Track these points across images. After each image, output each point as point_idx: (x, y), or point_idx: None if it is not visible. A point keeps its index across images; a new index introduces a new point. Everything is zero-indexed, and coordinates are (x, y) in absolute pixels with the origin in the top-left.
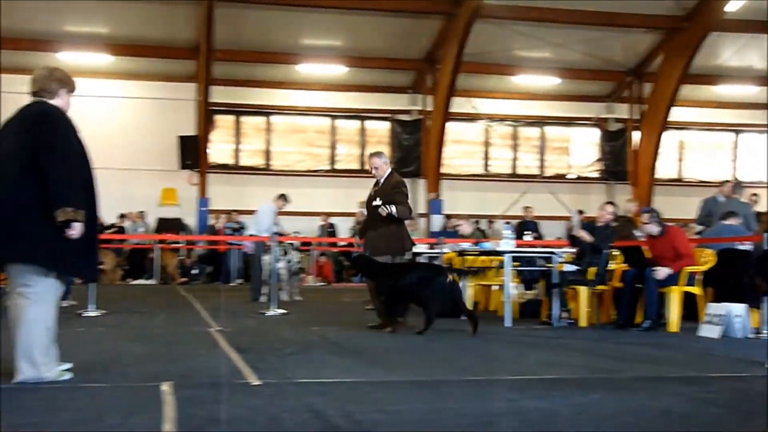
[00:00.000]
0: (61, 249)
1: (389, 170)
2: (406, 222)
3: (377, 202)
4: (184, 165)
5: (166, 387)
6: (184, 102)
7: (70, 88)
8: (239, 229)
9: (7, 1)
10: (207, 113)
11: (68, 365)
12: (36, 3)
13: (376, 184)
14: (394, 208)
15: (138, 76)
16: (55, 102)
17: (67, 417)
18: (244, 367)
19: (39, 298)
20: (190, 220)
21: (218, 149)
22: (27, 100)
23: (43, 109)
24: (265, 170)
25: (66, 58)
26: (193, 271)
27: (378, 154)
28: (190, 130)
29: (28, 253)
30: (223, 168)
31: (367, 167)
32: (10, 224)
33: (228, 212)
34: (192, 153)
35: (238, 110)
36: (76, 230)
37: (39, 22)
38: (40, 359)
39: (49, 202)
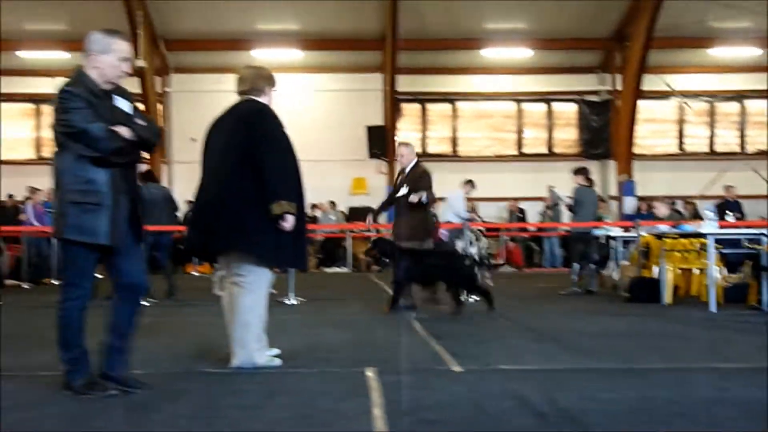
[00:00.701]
0: (275, 241)
1: (415, 160)
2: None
3: (404, 190)
4: (373, 154)
5: (370, 373)
6: (371, 92)
7: (274, 85)
8: None
9: (204, 1)
10: (393, 102)
11: (276, 351)
12: (230, 3)
13: (402, 172)
14: (424, 195)
15: (327, 69)
16: (262, 99)
17: (281, 401)
18: (444, 354)
19: (252, 287)
20: None
21: (405, 137)
22: (224, 97)
23: (255, 107)
24: (452, 157)
25: (259, 55)
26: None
27: (405, 144)
28: (378, 119)
29: (245, 245)
30: None
31: (555, 150)
32: (228, 217)
33: None
34: (380, 142)
35: (423, 98)
36: (289, 222)
37: (233, 23)
38: (253, 345)
39: (264, 196)
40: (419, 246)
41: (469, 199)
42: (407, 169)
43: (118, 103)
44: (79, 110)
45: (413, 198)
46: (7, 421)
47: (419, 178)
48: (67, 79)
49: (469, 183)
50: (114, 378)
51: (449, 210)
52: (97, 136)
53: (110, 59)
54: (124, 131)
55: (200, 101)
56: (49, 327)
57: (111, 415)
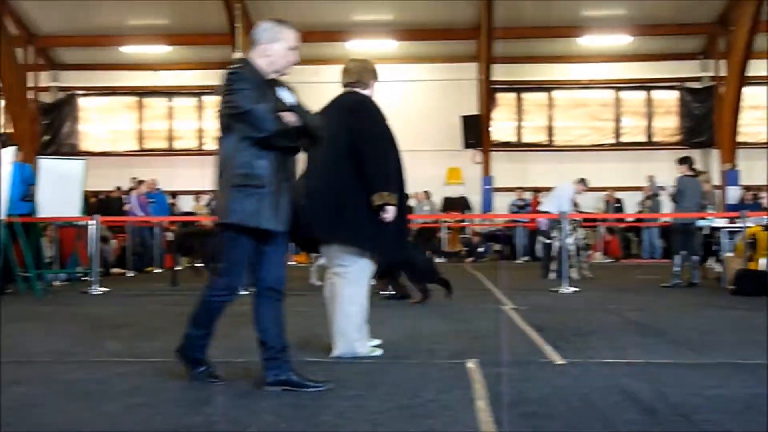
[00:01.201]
0: (376, 232)
1: None
2: None
3: None
4: (468, 144)
5: (471, 364)
6: (466, 82)
7: (377, 78)
8: (524, 207)
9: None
10: (488, 92)
11: (377, 341)
12: None
13: None
14: None
15: (421, 60)
16: (366, 92)
17: (383, 390)
18: (544, 346)
19: (354, 277)
20: (475, 198)
21: (500, 127)
22: (320, 89)
23: (359, 99)
24: (548, 146)
25: (355, 46)
26: (479, 249)
27: None
28: (473, 109)
29: (348, 236)
30: (506, 146)
31: (654, 139)
32: (331, 208)
33: (512, 189)
34: (475, 132)
35: (519, 87)
36: (390, 214)
37: (329, 15)
38: (354, 335)
39: (366, 187)
40: None
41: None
42: None
43: (282, 95)
44: (245, 91)
45: None
46: (124, 405)
47: None
48: (234, 65)
49: (583, 182)
50: (284, 382)
51: (554, 200)
52: (261, 116)
53: (280, 48)
54: (289, 116)
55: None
56: (154, 314)
57: (217, 401)
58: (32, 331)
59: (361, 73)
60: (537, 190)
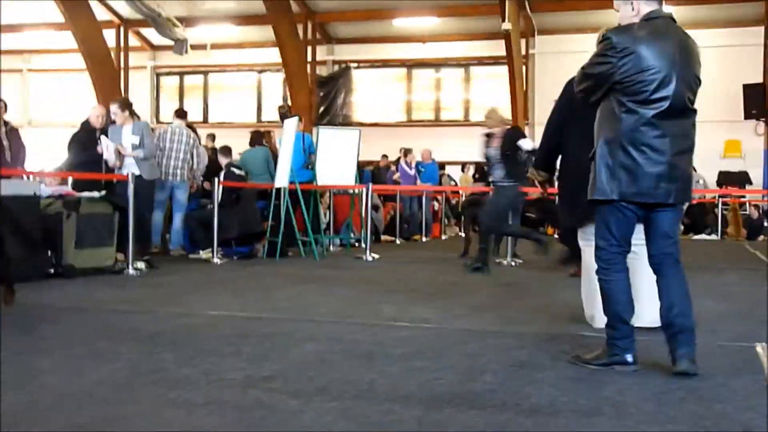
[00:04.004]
0: None
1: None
2: None
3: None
4: (749, 115)
5: (760, 349)
6: (750, 48)
7: None
8: None
9: None
10: None
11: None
12: None
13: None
14: None
15: (703, 24)
16: None
17: (666, 369)
18: None
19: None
20: (756, 172)
21: None
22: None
23: None
24: None
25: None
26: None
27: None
28: (756, 77)
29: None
30: None
31: None
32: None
33: None
34: (757, 102)
35: None
36: None
37: None
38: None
39: None
40: None
41: None
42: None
43: None
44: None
45: None
46: (405, 367)
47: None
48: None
49: None
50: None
51: None
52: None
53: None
54: None
55: (563, 63)
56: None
57: (496, 370)
58: (313, 293)
59: None
60: None
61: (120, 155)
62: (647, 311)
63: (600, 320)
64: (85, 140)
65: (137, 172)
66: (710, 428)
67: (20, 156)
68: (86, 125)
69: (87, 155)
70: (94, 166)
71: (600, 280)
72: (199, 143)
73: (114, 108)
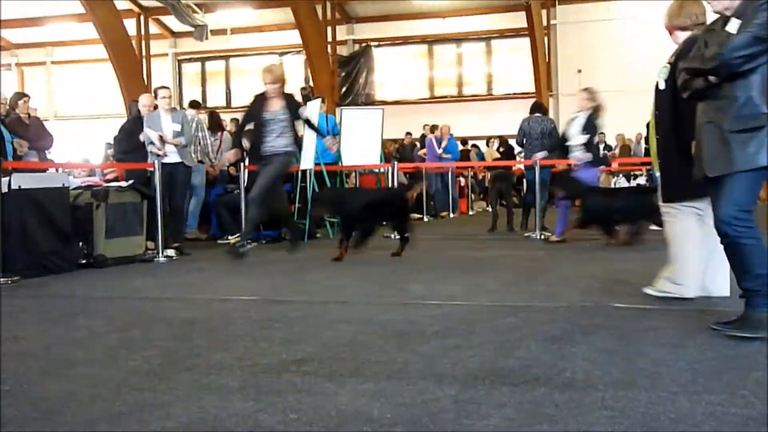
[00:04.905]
0: None
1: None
2: None
3: None
4: None
5: None
6: None
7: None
8: None
9: None
10: None
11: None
12: None
13: None
14: None
15: None
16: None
17: (702, 340)
18: None
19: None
20: None
21: None
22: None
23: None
24: None
25: None
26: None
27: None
28: None
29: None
30: None
31: None
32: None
33: None
34: None
35: None
36: None
37: None
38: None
39: None
40: None
41: None
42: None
43: None
44: None
45: None
46: (438, 346)
47: None
48: None
49: None
50: None
51: None
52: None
53: None
54: None
55: (585, 32)
56: (454, 259)
57: (529, 345)
58: (343, 274)
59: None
60: None
61: (163, 143)
62: (692, 283)
63: (689, 290)
64: (135, 129)
65: (179, 160)
66: (748, 397)
67: (46, 143)
68: (135, 114)
69: (136, 144)
70: (144, 153)
71: (743, 245)
72: (216, 127)
73: (164, 93)
